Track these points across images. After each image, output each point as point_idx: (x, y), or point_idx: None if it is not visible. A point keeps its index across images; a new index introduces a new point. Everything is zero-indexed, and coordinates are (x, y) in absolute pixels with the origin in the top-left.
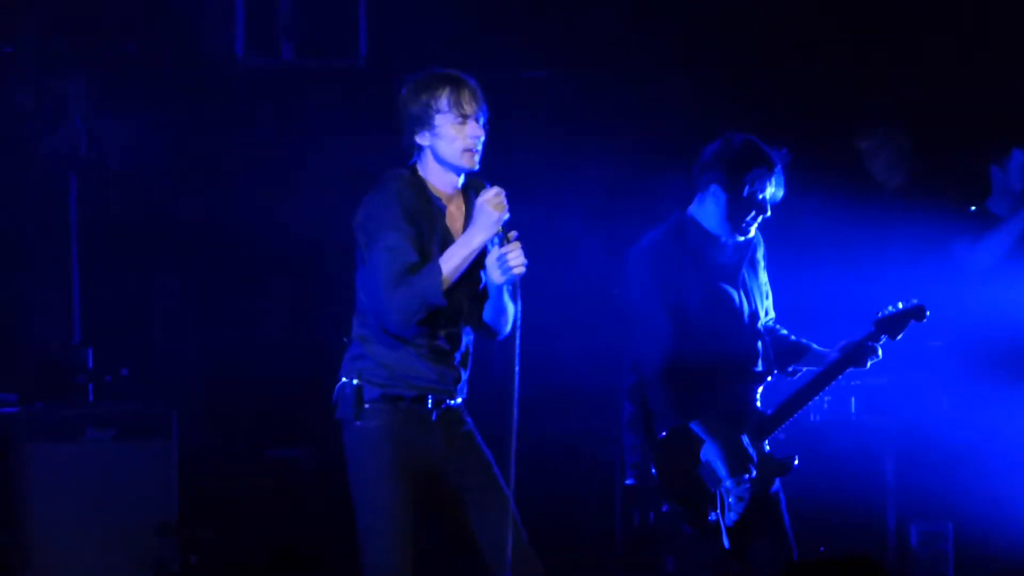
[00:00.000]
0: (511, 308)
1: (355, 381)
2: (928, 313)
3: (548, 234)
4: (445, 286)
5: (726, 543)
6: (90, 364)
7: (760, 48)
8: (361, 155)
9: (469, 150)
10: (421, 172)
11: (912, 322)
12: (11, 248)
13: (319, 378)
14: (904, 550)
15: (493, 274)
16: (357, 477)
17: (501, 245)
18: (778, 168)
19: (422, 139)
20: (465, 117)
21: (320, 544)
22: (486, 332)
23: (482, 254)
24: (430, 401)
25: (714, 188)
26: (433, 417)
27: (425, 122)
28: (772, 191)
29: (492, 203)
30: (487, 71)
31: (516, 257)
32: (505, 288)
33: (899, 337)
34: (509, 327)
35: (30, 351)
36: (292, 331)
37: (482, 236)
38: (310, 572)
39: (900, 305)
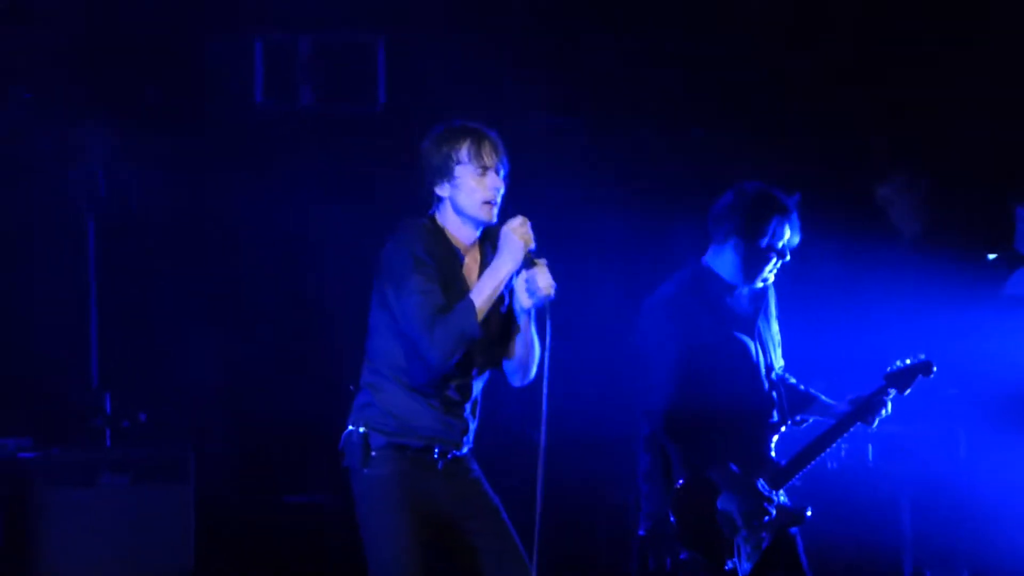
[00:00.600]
0: (538, 349)
1: (361, 429)
2: (935, 369)
3: (566, 277)
4: (479, 318)
5: None
6: (108, 409)
7: (778, 92)
8: (379, 200)
9: (488, 202)
10: (440, 221)
11: (920, 377)
12: (30, 291)
13: (338, 423)
14: None
15: (522, 298)
16: (367, 522)
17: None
18: (793, 213)
19: (442, 190)
20: (485, 169)
21: None
22: (513, 375)
23: (499, 299)
24: (436, 451)
25: (734, 240)
26: (439, 467)
27: (445, 173)
28: (789, 237)
29: (518, 232)
30: (504, 116)
31: (544, 278)
32: (532, 323)
33: (907, 392)
34: (534, 370)
35: (47, 395)
36: (311, 377)
37: (510, 265)
38: None
39: (908, 361)
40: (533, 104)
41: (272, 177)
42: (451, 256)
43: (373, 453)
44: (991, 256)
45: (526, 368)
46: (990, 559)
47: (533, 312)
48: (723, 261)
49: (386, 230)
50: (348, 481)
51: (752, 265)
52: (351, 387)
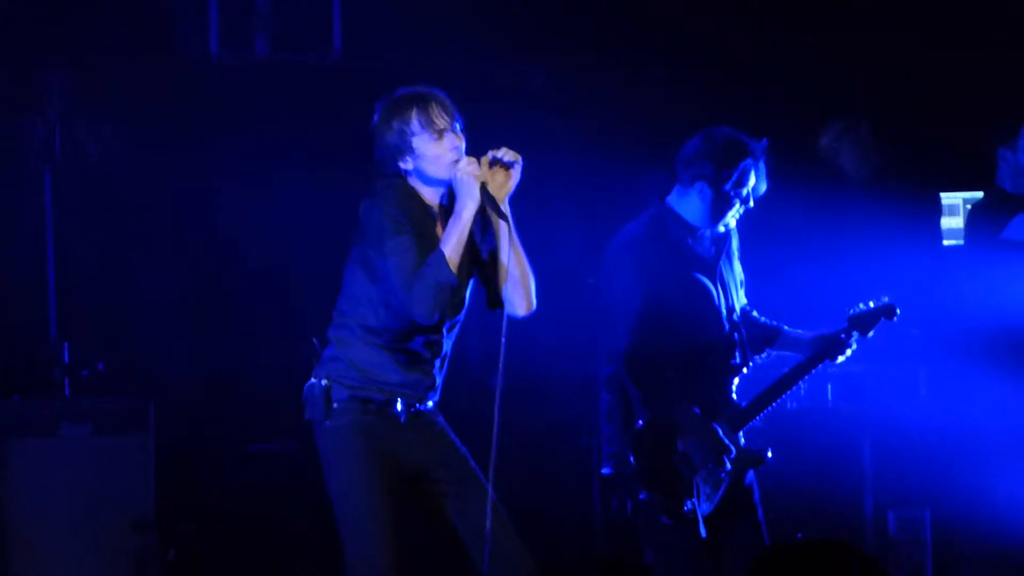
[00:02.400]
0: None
1: (324, 382)
2: (899, 312)
3: (526, 223)
4: (452, 266)
5: (702, 532)
6: (66, 359)
7: (739, 42)
8: (337, 150)
9: (454, 161)
10: (412, 183)
11: (883, 320)
12: None
13: (300, 371)
14: (882, 537)
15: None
16: (332, 474)
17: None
18: (761, 160)
19: (405, 164)
20: (441, 132)
21: (301, 539)
22: (514, 303)
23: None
24: (399, 404)
25: (700, 184)
26: (403, 419)
27: (404, 148)
28: (755, 184)
29: (467, 171)
30: (461, 62)
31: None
32: (520, 246)
33: (870, 334)
34: (535, 297)
35: (5, 346)
36: (272, 325)
37: (470, 205)
38: (291, 567)
39: (872, 303)
40: (490, 48)
41: (229, 126)
42: (425, 215)
43: (335, 405)
44: (979, 194)
45: (525, 292)
46: (951, 498)
47: (515, 232)
48: (687, 204)
49: (346, 178)
50: (311, 433)
51: (717, 209)
52: (314, 340)
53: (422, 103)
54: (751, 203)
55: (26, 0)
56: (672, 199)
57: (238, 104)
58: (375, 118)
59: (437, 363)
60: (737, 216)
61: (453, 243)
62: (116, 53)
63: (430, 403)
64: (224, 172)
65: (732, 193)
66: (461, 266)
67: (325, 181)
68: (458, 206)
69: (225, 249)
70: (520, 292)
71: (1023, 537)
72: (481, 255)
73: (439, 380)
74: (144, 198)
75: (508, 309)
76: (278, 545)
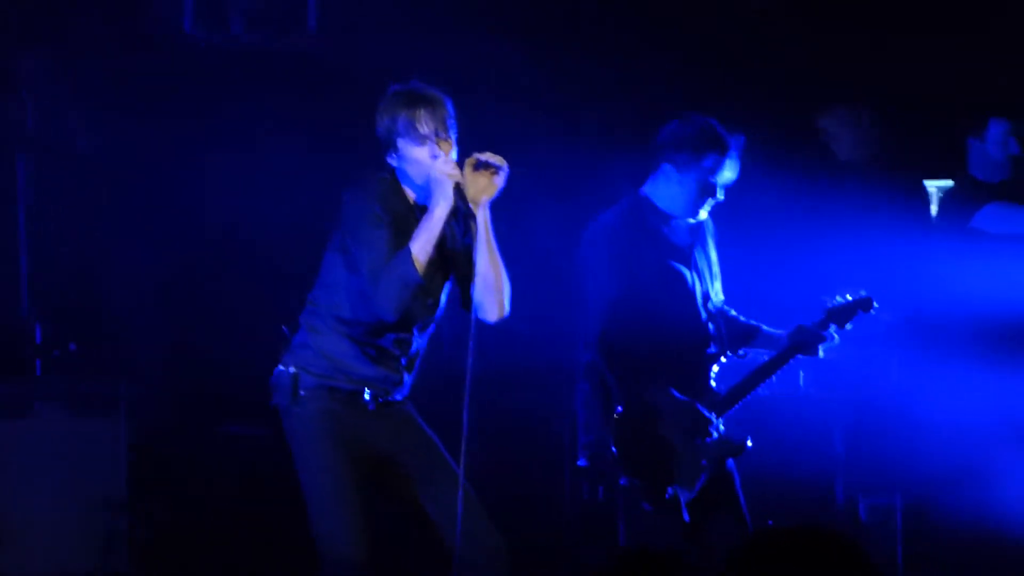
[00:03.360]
0: (506, 279)
1: (292, 369)
2: (876, 305)
3: (502, 208)
4: (418, 265)
5: (686, 516)
6: (38, 338)
7: (723, 26)
8: (312, 130)
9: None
10: (399, 178)
11: (860, 312)
12: None
13: (274, 354)
14: (853, 524)
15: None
16: (300, 458)
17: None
18: (732, 152)
19: (391, 160)
20: (423, 139)
21: (272, 521)
22: (484, 308)
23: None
24: (367, 394)
25: (666, 167)
26: (371, 408)
27: (389, 144)
28: (725, 175)
29: (442, 171)
30: (439, 41)
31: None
32: (496, 251)
33: (848, 327)
34: (508, 303)
35: None
36: (247, 306)
37: (442, 204)
38: (261, 549)
39: (849, 296)
40: (467, 27)
41: (202, 106)
42: (409, 213)
43: (302, 392)
44: (949, 182)
45: (498, 297)
46: (921, 483)
47: (493, 236)
48: (659, 190)
49: (318, 162)
50: (278, 420)
51: (686, 198)
52: (283, 327)
53: (412, 106)
54: (720, 195)
55: None
56: (647, 187)
57: (212, 84)
58: (377, 105)
59: (404, 361)
60: (707, 207)
61: (422, 241)
62: (88, 31)
63: (398, 396)
64: (198, 153)
65: (701, 182)
66: (434, 266)
67: (301, 163)
68: (431, 204)
69: (200, 230)
70: (492, 298)
71: (994, 524)
72: (458, 257)
73: (407, 378)
74: (118, 178)
75: (480, 313)
76: (250, 527)
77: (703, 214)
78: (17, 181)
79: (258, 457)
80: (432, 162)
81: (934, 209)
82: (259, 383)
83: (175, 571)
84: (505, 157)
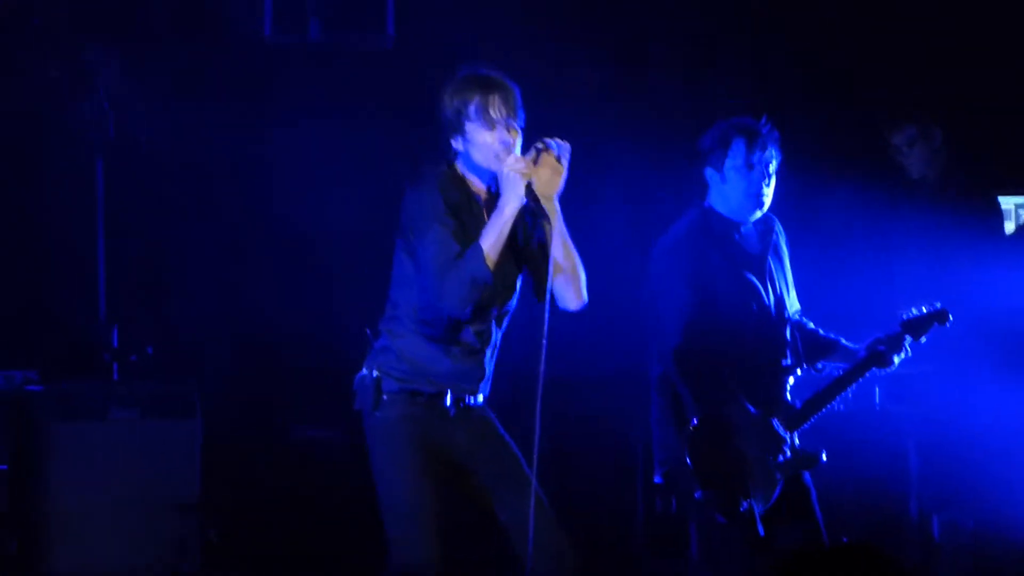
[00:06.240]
0: (581, 267)
1: (375, 373)
2: (951, 318)
3: (574, 216)
4: (489, 262)
5: (760, 530)
6: (115, 342)
7: (793, 40)
8: (389, 134)
9: (502, 154)
10: (460, 169)
11: (936, 325)
12: (36, 224)
13: (346, 359)
14: (926, 542)
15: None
16: (377, 461)
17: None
18: (762, 134)
19: (456, 144)
20: (494, 123)
21: (343, 525)
22: (563, 298)
23: (514, 245)
24: (449, 398)
25: (709, 172)
26: (452, 413)
27: (456, 127)
28: (764, 156)
29: (514, 168)
30: (513, 49)
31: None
32: (569, 242)
33: (923, 339)
34: (585, 291)
35: (55, 329)
36: (320, 311)
37: (513, 202)
38: (332, 553)
39: (924, 308)
40: (543, 37)
41: (280, 109)
42: (470, 203)
43: (384, 397)
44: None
45: (576, 286)
46: (996, 502)
47: (564, 228)
48: (716, 198)
49: (396, 164)
50: (359, 423)
51: (736, 193)
52: (367, 330)
53: (485, 91)
54: (768, 178)
55: None
56: (710, 199)
57: (290, 87)
58: (441, 92)
59: (488, 351)
60: (765, 195)
61: (493, 239)
62: (169, 34)
63: (480, 396)
64: (276, 156)
65: (743, 169)
66: (505, 260)
67: (378, 166)
68: (501, 202)
69: (275, 233)
70: (571, 287)
71: None
72: (531, 246)
73: (490, 370)
74: (195, 181)
75: (559, 303)
76: (321, 530)
77: (766, 202)
78: (97, 186)
79: (330, 460)
80: (500, 148)
81: (1010, 225)
82: (332, 386)
83: (247, 574)
84: (574, 164)
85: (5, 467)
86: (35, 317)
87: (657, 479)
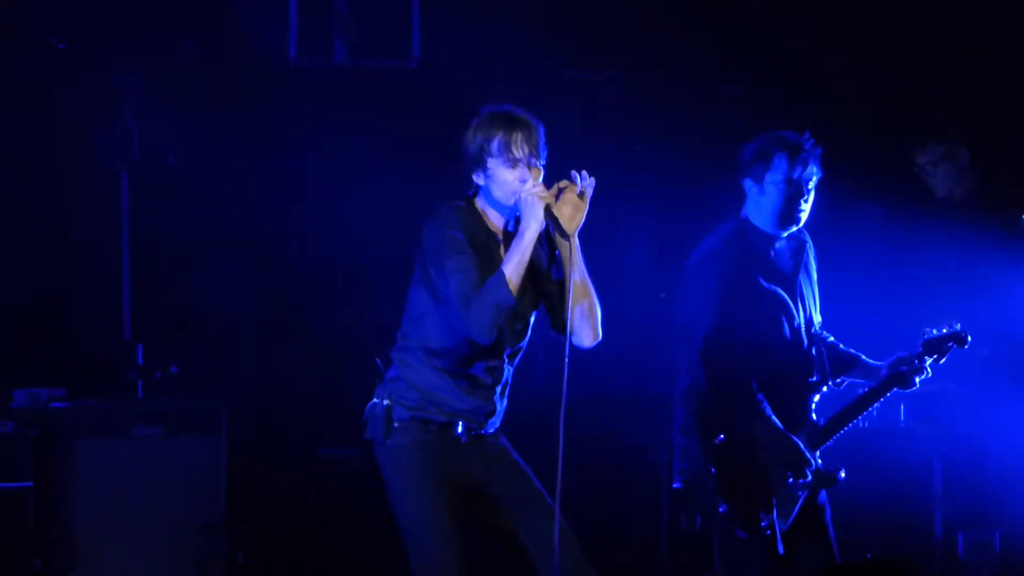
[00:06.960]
0: (598, 305)
1: (386, 402)
2: (970, 339)
3: (597, 235)
4: (512, 287)
5: (780, 548)
6: (140, 360)
7: (818, 56)
8: (414, 158)
9: (519, 192)
10: (479, 205)
11: (954, 346)
12: (63, 243)
13: (369, 378)
14: (951, 559)
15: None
16: (394, 490)
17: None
18: (805, 149)
19: (478, 178)
20: (515, 161)
21: (368, 544)
22: (579, 335)
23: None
24: (460, 427)
25: (748, 183)
26: (463, 440)
27: (479, 163)
28: (805, 173)
29: (532, 192)
30: (537, 72)
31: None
32: (586, 277)
33: (943, 360)
34: (600, 328)
35: (80, 346)
36: (344, 330)
37: (533, 227)
38: (356, 571)
39: (944, 330)
40: (568, 59)
41: (306, 132)
42: (488, 238)
43: (395, 425)
44: None
45: (592, 323)
46: (1021, 519)
47: (581, 259)
48: (753, 210)
49: (423, 187)
50: (373, 452)
51: (774, 207)
52: (377, 360)
53: (509, 129)
54: (806, 194)
55: (105, 4)
56: (746, 210)
57: (315, 109)
58: (469, 128)
59: (498, 390)
60: (803, 211)
61: (514, 264)
62: (194, 56)
63: (491, 429)
64: (300, 177)
65: (783, 184)
66: (524, 291)
67: (401, 189)
68: (522, 227)
69: (299, 254)
70: (587, 324)
71: None
72: (548, 283)
73: (500, 407)
74: (219, 201)
75: (575, 340)
76: (345, 549)
77: (802, 218)
78: (122, 205)
79: (355, 478)
80: (519, 185)
81: None
82: (358, 405)
83: None
84: (598, 182)
85: (31, 484)
86: (61, 335)
87: (676, 485)
